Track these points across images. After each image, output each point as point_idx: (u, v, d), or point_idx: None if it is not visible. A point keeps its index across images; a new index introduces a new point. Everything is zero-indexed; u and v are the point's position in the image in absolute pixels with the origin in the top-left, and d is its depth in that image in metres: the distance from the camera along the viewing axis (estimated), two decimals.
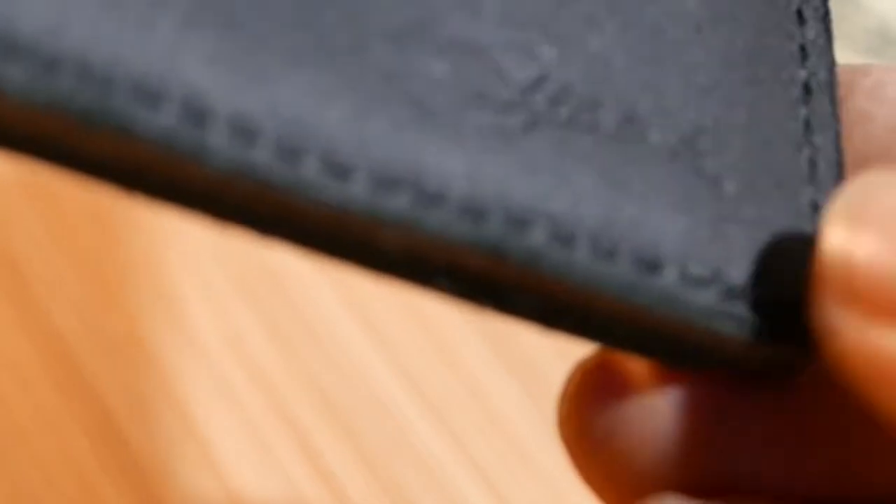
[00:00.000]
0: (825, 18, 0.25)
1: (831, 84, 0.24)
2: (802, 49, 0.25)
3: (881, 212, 0.21)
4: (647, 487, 0.23)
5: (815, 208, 0.23)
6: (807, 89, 0.24)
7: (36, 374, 0.38)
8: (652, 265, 0.22)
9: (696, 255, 0.22)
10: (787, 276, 0.22)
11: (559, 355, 0.38)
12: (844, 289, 0.20)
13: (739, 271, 0.22)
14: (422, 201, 0.20)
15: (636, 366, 0.23)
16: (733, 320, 0.22)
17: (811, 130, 0.24)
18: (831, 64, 0.25)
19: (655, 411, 0.23)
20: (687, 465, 0.22)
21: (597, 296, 0.21)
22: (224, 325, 0.39)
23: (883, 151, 0.24)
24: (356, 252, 0.21)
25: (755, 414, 0.23)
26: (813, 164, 0.24)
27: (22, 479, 0.37)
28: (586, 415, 0.23)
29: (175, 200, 0.20)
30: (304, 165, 0.20)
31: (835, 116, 0.24)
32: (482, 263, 0.21)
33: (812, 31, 0.25)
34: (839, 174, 0.24)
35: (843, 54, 0.54)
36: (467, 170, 0.21)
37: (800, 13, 0.25)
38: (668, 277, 0.22)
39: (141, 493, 0.36)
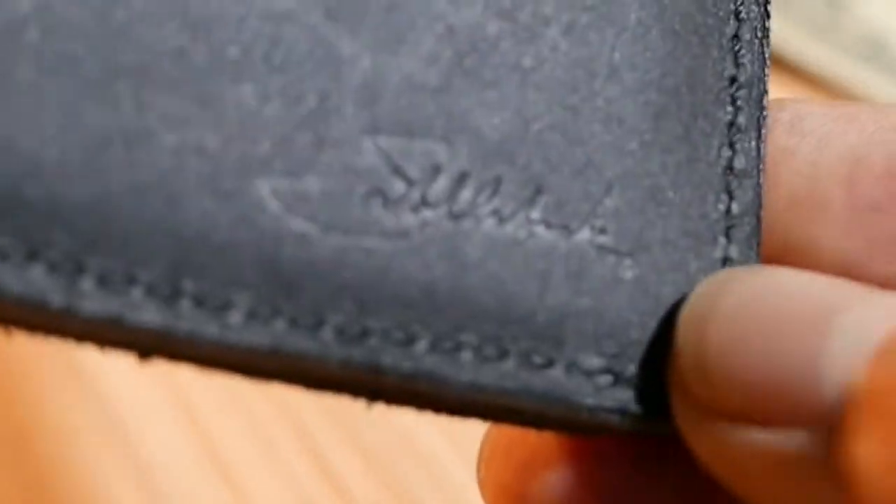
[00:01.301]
0: (762, 49, 0.24)
1: (759, 124, 0.23)
2: (733, 82, 0.23)
3: (738, 310, 0.20)
4: None
5: (728, 264, 0.22)
6: (732, 128, 0.23)
7: (49, 375, 0.38)
8: (545, 362, 0.21)
9: (588, 345, 0.21)
10: (660, 356, 0.21)
11: None
12: (696, 389, 0.20)
13: (625, 352, 0.21)
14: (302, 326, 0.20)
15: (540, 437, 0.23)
16: (613, 410, 0.21)
17: (732, 177, 0.23)
18: (761, 100, 0.24)
19: (555, 487, 0.23)
20: None
21: (483, 399, 0.21)
22: None
23: (809, 187, 0.23)
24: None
25: (649, 482, 0.23)
26: (730, 215, 0.23)
27: (30, 474, 0.37)
28: (499, 480, 0.23)
29: None
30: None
31: (758, 160, 0.23)
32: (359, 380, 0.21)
33: (746, 63, 0.24)
34: (756, 227, 0.23)
35: (837, 61, 0.55)
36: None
37: (735, 51, 0.24)
38: (556, 372, 0.21)
39: (149, 492, 0.37)
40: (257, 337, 0.20)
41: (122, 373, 0.39)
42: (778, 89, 0.54)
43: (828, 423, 0.19)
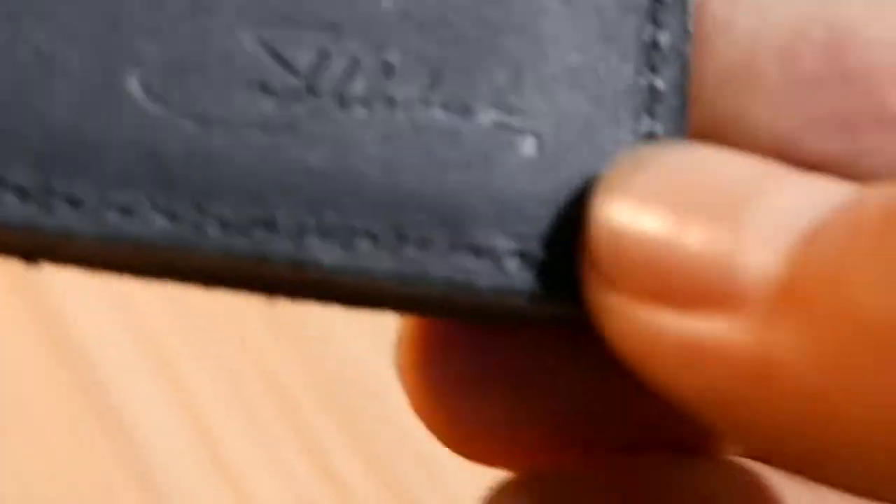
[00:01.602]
0: None
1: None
2: None
3: (654, 187, 0.19)
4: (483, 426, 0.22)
5: (651, 140, 0.22)
6: (655, 2, 0.23)
7: (49, 374, 0.38)
8: (446, 246, 0.20)
9: (491, 227, 0.20)
10: (571, 235, 0.21)
11: None
12: (608, 268, 0.19)
13: (533, 231, 0.21)
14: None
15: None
16: (520, 292, 0.20)
17: (655, 52, 0.22)
18: None
19: (465, 370, 0.22)
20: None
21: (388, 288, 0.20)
22: (232, 327, 0.40)
23: (745, 60, 0.22)
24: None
25: (558, 363, 0.22)
26: (654, 90, 0.22)
27: (33, 476, 0.37)
28: (420, 369, 0.22)
29: None
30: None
31: (685, 35, 0.22)
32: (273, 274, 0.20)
33: None
34: (683, 103, 0.22)
35: None
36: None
37: None
38: (458, 256, 0.20)
39: (151, 492, 0.37)
40: (136, 232, 0.19)
41: (124, 370, 0.39)
42: None
43: (744, 310, 0.18)
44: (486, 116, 0.21)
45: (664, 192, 0.19)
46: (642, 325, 0.19)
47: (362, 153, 0.20)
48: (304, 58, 0.21)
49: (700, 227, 0.19)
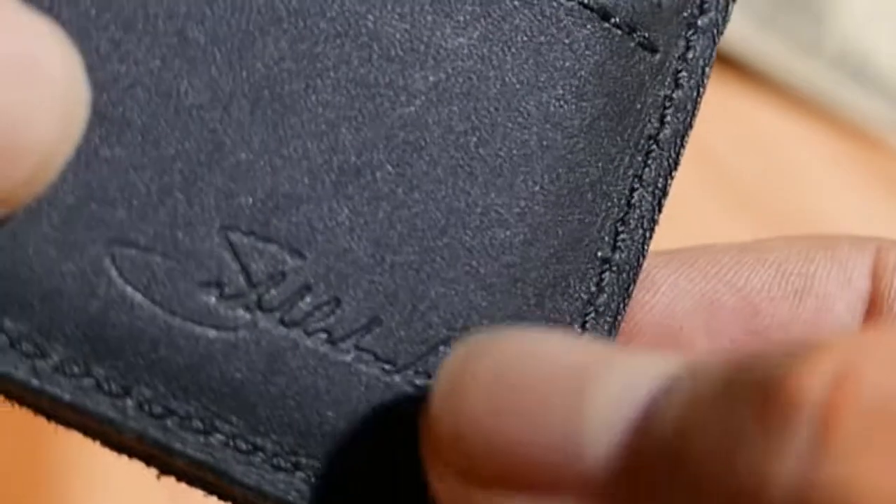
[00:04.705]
0: (644, 238, 0.24)
1: (618, 308, 0.23)
2: (604, 262, 0.23)
3: (482, 379, 0.20)
4: None
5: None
6: (590, 307, 0.23)
7: None
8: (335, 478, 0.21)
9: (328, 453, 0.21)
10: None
11: None
12: (456, 459, 0.19)
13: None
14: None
15: None
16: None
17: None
18: (628, 287, 0.23)
19: None
20: None
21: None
22: None
23: (671, 336, 0.24)
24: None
25: None
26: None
27: (43, 472, 0.38)
28: None
29: None
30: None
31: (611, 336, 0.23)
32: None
33: (622, 248, 0.23)
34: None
35: (820, 78, 0.55)
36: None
37: (616, 234, 0.23)
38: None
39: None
40: (60, 390, 0.20)
41: None
42: (762, 107, 0.55)
43: (591, 490, 0.18)
44: (406, 375, 0.22)
45: (504, 379, 0.19)
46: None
47: (286, 376, 0.21)
48: (263, 270, 0.21)
49: (542, 414, 0.19)
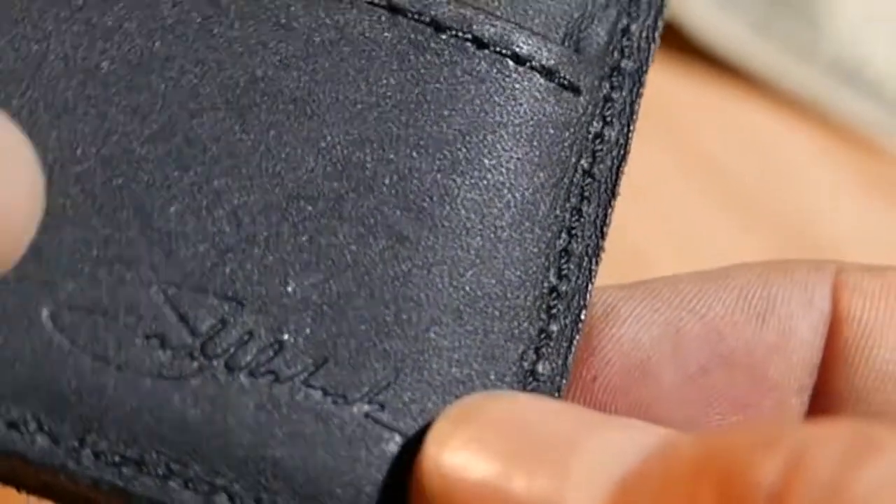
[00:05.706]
0: (590, 266, 0.24)
1: (572, 335, 0.24)
2: (552, 292, 0.24)
3: (480, 436, 0.20)
4: None
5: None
6: (542, 335, 0.24)
7: None
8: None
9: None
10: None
11: None
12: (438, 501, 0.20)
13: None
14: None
15: None
16: None
17: (532, 380, 0.23)
18: (579, 314, 0.24)
19: None
20: None
21: None
22: None
23: (640, 364, 0.25)
24: None
25: None
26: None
27: None
28: None
29: None
30: None
31: (565, 367, 0.24)
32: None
33: (569, 277, 0.24)
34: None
35: (816, 83, 0.55)
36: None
37: (560, 264, 0.24)
38: None
39: None
40: (13, 446, 0.21)
41: None
42: (759, 111, 0.55)
43: None
44: (360, 408, 0.22)
45: (490, 441, 0.20)
46: None
47: (238, 417, 0.22)
48: (204, 321, 0.22)
49: (525, 477, 0.20)
